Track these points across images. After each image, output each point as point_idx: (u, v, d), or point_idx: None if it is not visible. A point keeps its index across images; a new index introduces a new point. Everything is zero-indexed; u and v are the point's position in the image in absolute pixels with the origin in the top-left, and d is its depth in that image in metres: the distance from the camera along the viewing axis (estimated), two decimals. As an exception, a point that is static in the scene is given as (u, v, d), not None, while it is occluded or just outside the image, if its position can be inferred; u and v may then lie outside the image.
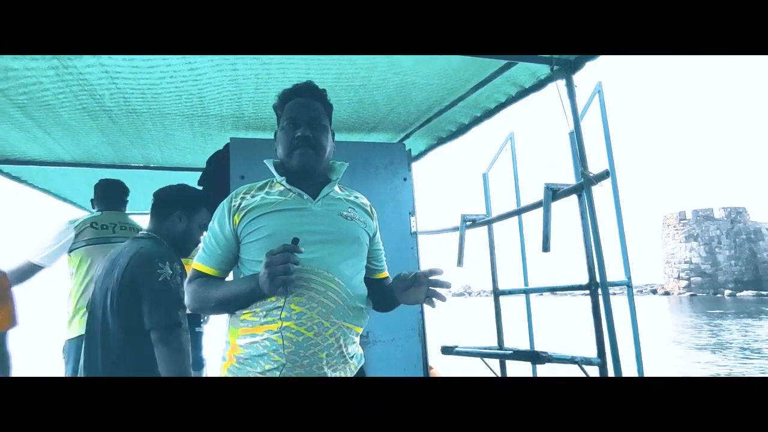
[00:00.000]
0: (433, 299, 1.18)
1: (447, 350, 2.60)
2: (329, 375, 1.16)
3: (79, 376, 1.72)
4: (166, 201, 1.83)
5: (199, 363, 3.91)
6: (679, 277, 49.46)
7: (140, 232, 1.83)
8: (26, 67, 1.86)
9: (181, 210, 1.81)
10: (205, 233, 1.41)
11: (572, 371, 2.16)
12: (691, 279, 48.31)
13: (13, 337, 1.64)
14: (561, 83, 2.15)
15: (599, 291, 2.09)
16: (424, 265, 2.88)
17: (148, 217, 1.87)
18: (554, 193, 2.20)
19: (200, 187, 2.77)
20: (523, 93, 2.42)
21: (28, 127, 2.51)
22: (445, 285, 1.18)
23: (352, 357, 1.24)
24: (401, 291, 1.23)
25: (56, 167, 3.14)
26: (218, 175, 2.61)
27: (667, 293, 50.26)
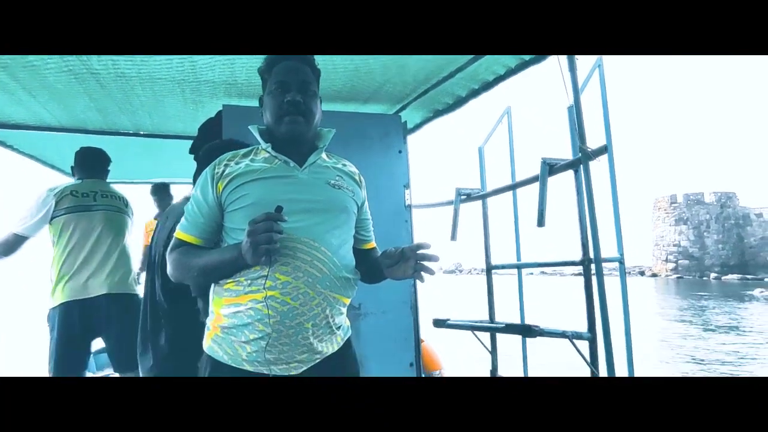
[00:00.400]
0: (422, 273, 1.17)
1: (439, 323, 2.62)
2: (315, 345, 1.15)
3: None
4: (209, 158, 1.80)
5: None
6: (667, 260, 50.18)
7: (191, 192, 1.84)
8: (8, 23, 1.79)
9: None
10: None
11: (564, 350, 2.19)
12: (679, 262, 49.05)
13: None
14: (562, 56, 2.11)
15: (592, 266, 2.10)
16: (418, 239, 2.87)
17: (131, 186, 1.87)
18: (551, 167, 2.18)
19: (191, 155, 2.72)
20: (523, 65, 2.37)
21: (12, 89, 2.42)
22: (433, 258, 1.17)
23: (339, 328, 1.23)
24: (388, 267, 1.22)
25: (42, 132, 3.06)
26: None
27: (654, 275, 51.05)
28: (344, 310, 1.26)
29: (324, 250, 1.15)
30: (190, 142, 2.75)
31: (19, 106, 2.68)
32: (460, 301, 23.65)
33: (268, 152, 1.23)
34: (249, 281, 1.12)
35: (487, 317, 2.93)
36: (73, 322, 2.32)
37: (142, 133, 3.29)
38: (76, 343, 2.34)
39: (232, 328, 1.14)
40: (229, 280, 1.15)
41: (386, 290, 2.66)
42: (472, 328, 2.55)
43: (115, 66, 2.23)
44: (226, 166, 1.21)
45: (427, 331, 2.93)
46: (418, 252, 1.17)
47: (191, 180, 2.68)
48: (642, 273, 54.25)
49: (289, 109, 1.20)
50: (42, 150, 3.66)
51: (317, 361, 1.17)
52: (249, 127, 1.29)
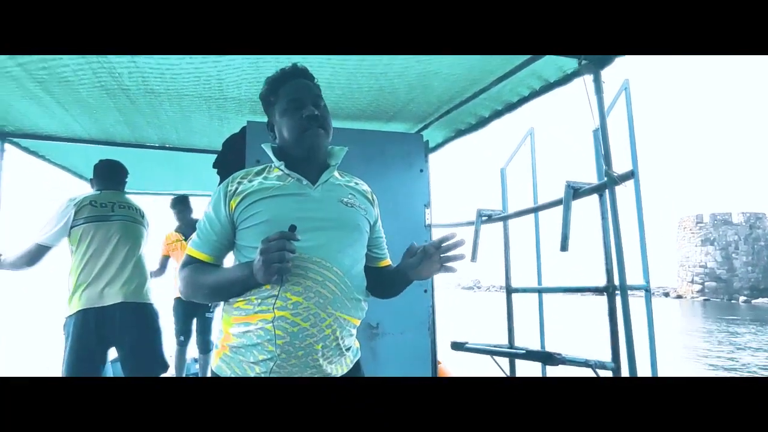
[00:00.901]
0: (451, 264, 1.18)
1: (457, 346, 2.57)
2: (324, 367, 1.13)
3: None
4: None
5: (207, 346, 3.96)
6: (692, 281, 48.64)
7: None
8: (46, 41, 1.84)
9: None
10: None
11: (581, 374, 2.12)
12: (706, 284, 47.48)
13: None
14: (588, 78, 2.08)
15: (616, 294, 2.04)
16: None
17: (142, 198, 1.86)
18: (575, 191, 2.14)
19: (215, 170, 2.76)
20: (548, 87, 2.35)
21: (47, 103, 2.50)
22: (459, 244, 1.17)
23: (348, 349, 1.21)
24: (412, 268, 1.21)
25: (73, 143, 3.15)
26: (233, 159, 2.59)
27: (679, 297, 49.48)
28: (354, 331, 1.24)
29: (336, 271, 1.14)
30: (214, 156, 2.81)
31: (52, 119, 2.77)
32: (479, 318, 23.31)
33: (281, 170, 1.22)
34: (259, 300, 1.11)
35: (505, 339, 2.87)
36: (89, 330, 2.35)
37: (167, 146, 3.36)
38: (90, 350, 2.36)
39: (241, 348, 1.13)
40: (239, 299, 1.14)
41: (404, 310, 2.64)
42: (491, 353, 2.49)
43: (144, 82, 2.28)
44: (239, 183, 1.21)
45: (444, 352, 2.88)
46: (442, 245, 1.17)
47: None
48: (666, 294, 52.64)
49: (310, 123, 1.20)
50: (71, 160, 3.77)
51: None
52: (262, 145, 1.29)
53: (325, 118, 1.24)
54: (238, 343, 1.13)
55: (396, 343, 2.60)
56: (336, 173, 1.30)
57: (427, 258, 1.18)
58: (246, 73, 2.20)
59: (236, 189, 1.19)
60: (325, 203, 1.20)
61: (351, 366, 1.23)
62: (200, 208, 4.41)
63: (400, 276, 1.27)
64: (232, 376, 1.14)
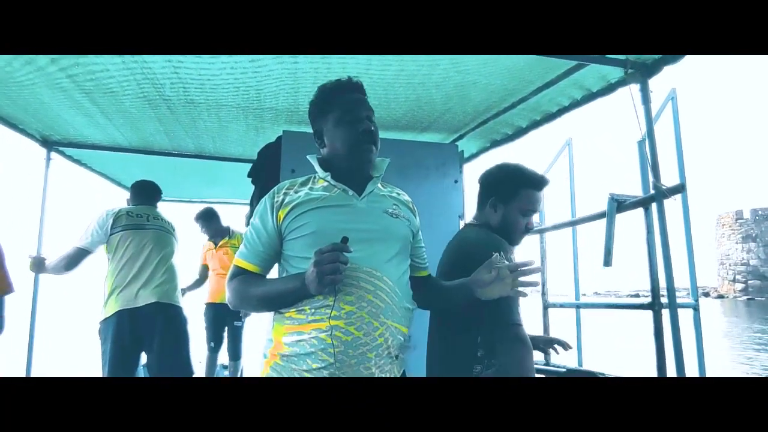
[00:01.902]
0: (523, 290, 1.20)
1: (492, 361, 2.50)
2: (376, 375, 1.13)
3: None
4: (481, 188, 1.64)
5: (237, 353, 3.98)
6: (734, 280, 46.52)
7: (470, 220, 1.67)
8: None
9: (495, 197, 1.56)
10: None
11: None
12: (749, 282, 45.31)
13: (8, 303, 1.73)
14: (634, 88, 2.01)
15: (663, 312, 1.95)
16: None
17: (178, 205, 1.88)
18: (619, 204, 2.07)
19: (249, 179, 2.79)
20: (589, 97, 2.29)
21: (92, 113, 2.58)
22: (536, 272, 1.19)
23: (397, 358, 1.21)
24: (481, 286, 1.22)
25: (113, 152, 3.25)
26: (268, 168, 2.61)
27: (720, 296, 47.33)
28: (403, 340, 1.24)
29: (386, 280, 1.15)
30: (248, 165, 2.84)
31: (96, 128, 2.86)
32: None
33: (327, 181, 1.25)
34: (313, 310, 1.12)
35: (538, 353, 2.78)
36: (124, 330, 2.44)
37: (204, 155, 3.42)
38: (126, 351, 2.45)
39: (294, 357, 1.13)
40: (291, 309, 1.15)
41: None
42: (529, 369, 2.41)
43: (185, 93, 2.33)
44: (285, 194, 1.23)
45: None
46: (519, 269, 1.19)
47: (248, 201, 2.73)
48: (706, 294, 50.33)
49: (365, 138, 1.24)
50: (111, 168, 3.89)
51: None
52: (308, 156, 1.32)
53: (377, 135, 1.28)
54: (290, 352, 1.14)
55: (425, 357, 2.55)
56: (379, 184, 1.31)
57: (500, 279, 1.20)
58: (284, 84, 2.22)
59: (283, 200, 1.22)
60: (370, 214, 1.22)
61: (399, 375, 1.23)
62: (232, 216, 4.46)
63: (460, 290, 1.29)
64: None
